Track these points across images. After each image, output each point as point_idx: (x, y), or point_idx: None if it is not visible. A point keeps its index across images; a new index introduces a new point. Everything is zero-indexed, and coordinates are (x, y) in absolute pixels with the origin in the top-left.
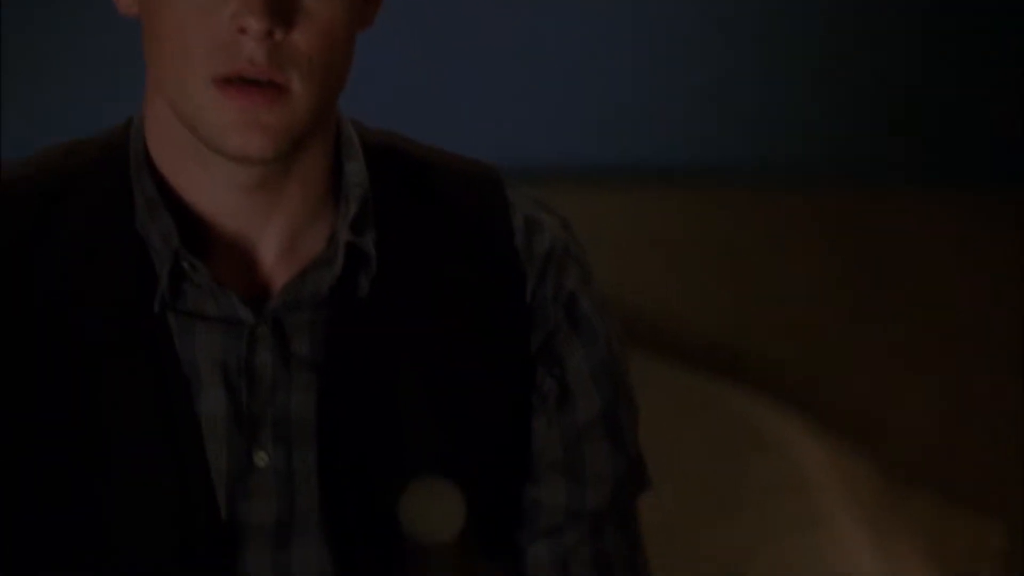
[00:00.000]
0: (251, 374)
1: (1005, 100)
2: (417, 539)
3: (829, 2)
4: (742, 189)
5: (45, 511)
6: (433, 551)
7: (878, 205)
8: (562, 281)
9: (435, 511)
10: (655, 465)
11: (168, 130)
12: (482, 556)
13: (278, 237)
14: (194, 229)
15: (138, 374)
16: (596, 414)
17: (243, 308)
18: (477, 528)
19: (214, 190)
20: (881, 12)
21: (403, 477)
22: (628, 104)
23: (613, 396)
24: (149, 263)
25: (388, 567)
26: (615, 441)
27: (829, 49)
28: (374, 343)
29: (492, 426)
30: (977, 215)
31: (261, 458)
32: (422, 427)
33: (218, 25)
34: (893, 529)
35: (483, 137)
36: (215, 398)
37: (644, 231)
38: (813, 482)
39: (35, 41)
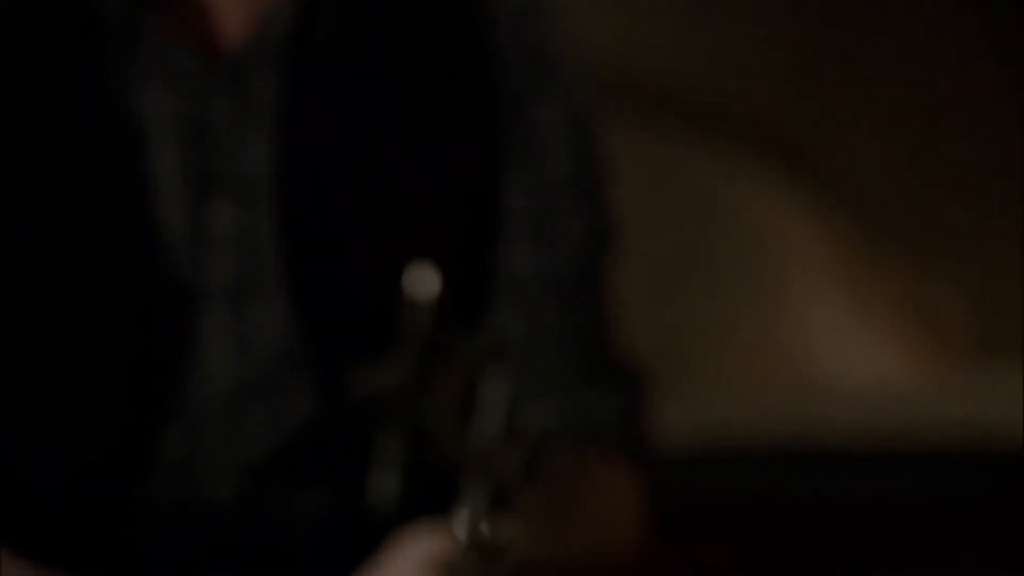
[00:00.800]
0: (208, 129)
1: None
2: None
3: None
4: None
5: None
6: (403, 315)
7: None
8: (532, 33)
9: (409, 274)
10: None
11: None
12: (451, 324)
13: None
14: None
15: (90, 132)
16: (566, 171)
17: (199, 61)
18: (446, 296)
19: None
20: None
21: (365, 235)
22: None
23: (583, 152)
24: (104, 16)
25: (351, 329)
26: (585, 200)
27: None
28: (335, 94)
29: (458, 183)
30: None
31: (218, 215)
32: (385, 183)
33: None
34: (870, 290)
35: None
36: (170, 155)
37: None
38: (783, 242)
39: None
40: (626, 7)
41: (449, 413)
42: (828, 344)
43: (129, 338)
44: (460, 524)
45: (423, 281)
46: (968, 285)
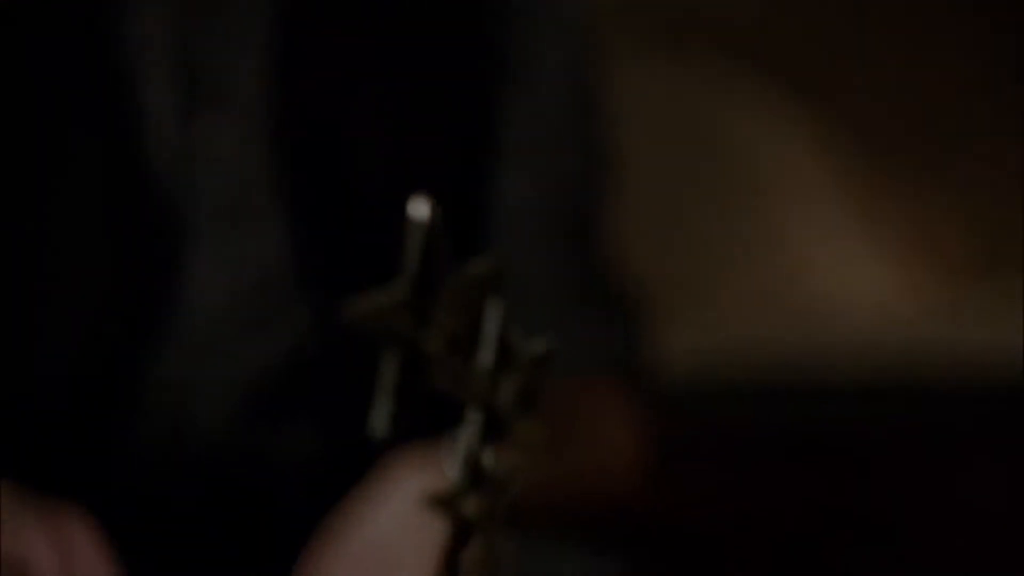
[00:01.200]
0: (199, 47)
1: None
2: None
3: None
4: None
5: None
6: (400, 242)
7: None
8: None
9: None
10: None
11: None
12: (449, 252)
13: None
14: None
15: (79, 57)
16: (565, 101)
17: None
18: (443, 223)
19: None
20: None
21: (359, 155)
22: None
23: (582, 83)
24: None
25: (345, 253)
26: (584, 130)
27: None
28: (329, 10)
29: (455, 109)
30: None
31: (210, 135)
32: (380, 103)
33: None
34: (873, 213)
35: None
36: (161, 73)
37: None
38: (785, 167)
39: None
40: None
41: (447, 343)
42: (831, 269)
43: (118, 259)
44: (458, 457)
45: (419, 207)
46: (974, 208)
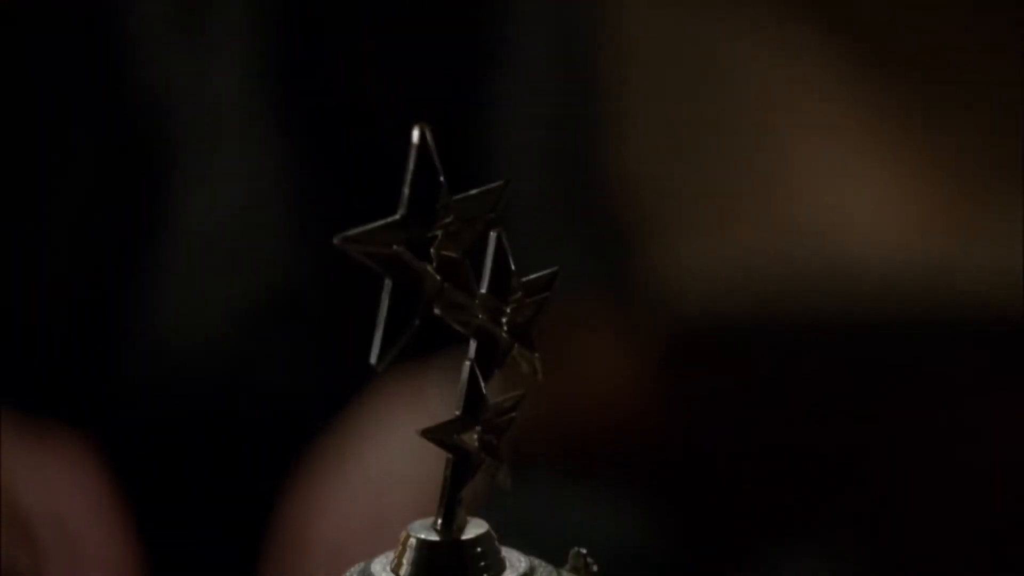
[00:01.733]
0: None
1: None
2: None
3: None
4: None
5: None
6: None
7: None
8: None
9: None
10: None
11: None
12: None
13: None
14: None
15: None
16: (563, 33)
17: None
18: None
19: None
20: None
21: (355, 82)
22: None
23: (580, 17)
24: None
25: (341, 176)
26: (574, 64)
27: None
28: None
29: (452, 40)
30: None
31: (200, 56)
32: (378, 31)
33: None
34: (886, 140)
35: None
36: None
37: None
38: (785, 88)
39: None
40: None
41: (445, 271)
42: (836, 189)
43: (103, 185)
44: (458, 388)
45: (415, 133)
46: (977, 126)
